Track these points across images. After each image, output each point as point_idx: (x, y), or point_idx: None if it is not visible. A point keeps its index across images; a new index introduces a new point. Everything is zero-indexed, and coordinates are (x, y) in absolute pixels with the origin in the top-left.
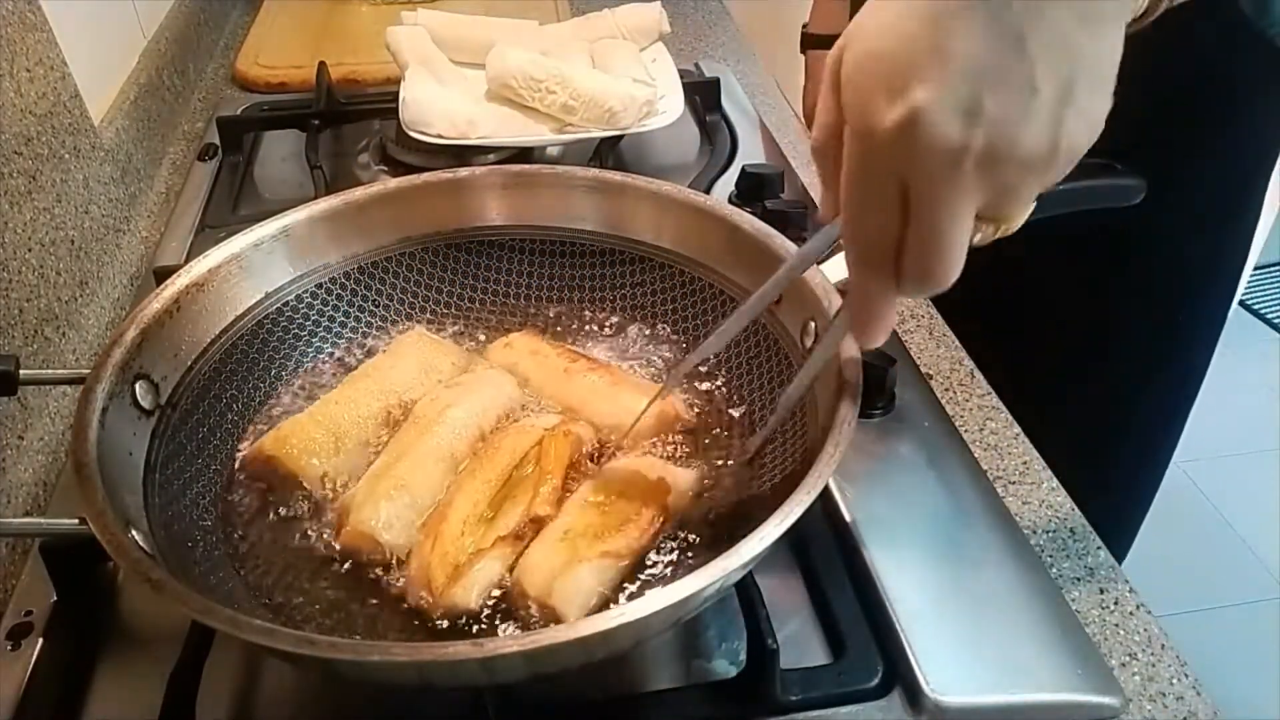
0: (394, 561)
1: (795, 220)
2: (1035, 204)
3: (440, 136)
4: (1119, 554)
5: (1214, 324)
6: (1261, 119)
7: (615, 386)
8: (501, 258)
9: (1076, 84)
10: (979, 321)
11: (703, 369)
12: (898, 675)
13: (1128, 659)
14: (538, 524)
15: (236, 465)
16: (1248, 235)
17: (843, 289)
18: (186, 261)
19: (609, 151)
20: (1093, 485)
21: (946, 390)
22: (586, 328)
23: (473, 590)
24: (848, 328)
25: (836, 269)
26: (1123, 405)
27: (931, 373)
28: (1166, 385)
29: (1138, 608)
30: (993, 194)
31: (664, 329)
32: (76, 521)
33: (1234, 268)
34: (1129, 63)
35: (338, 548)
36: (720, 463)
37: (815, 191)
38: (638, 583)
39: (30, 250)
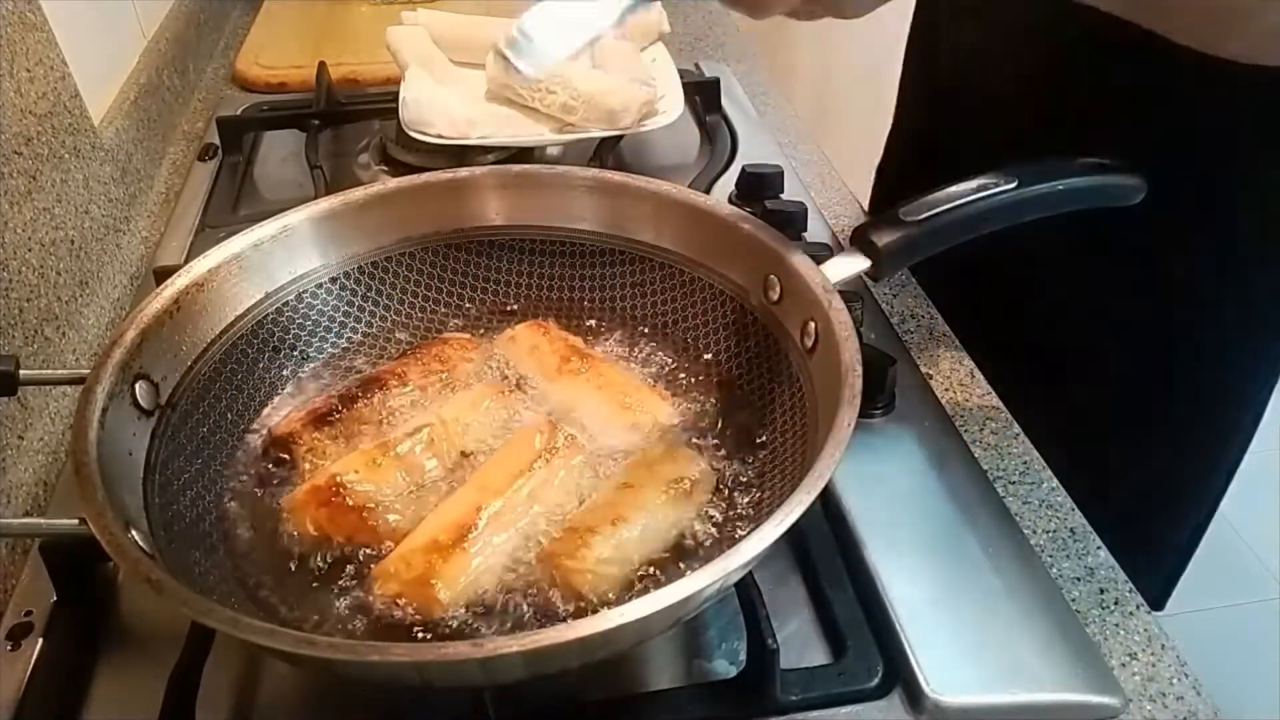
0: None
1: (795, 220)
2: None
3: (440, 136)
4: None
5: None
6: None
7: (604, 389)
8: (501, 258)
9: None
10: (978, 321)
11: (702, 370)
12: (898, 675)
13: (1128, 659)
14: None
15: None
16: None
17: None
18: (186, 261)
19: (609, 151)
20: (1092, 490)
21: (946, 390)
22: (587, 328)
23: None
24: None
25: (835, 269)
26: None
27: (931, 373)
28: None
29: (1138, 608)
30: None
31: (664, 329)
32: (76, 521)
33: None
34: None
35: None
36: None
37: (814, 190)
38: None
39: (30, 250)
